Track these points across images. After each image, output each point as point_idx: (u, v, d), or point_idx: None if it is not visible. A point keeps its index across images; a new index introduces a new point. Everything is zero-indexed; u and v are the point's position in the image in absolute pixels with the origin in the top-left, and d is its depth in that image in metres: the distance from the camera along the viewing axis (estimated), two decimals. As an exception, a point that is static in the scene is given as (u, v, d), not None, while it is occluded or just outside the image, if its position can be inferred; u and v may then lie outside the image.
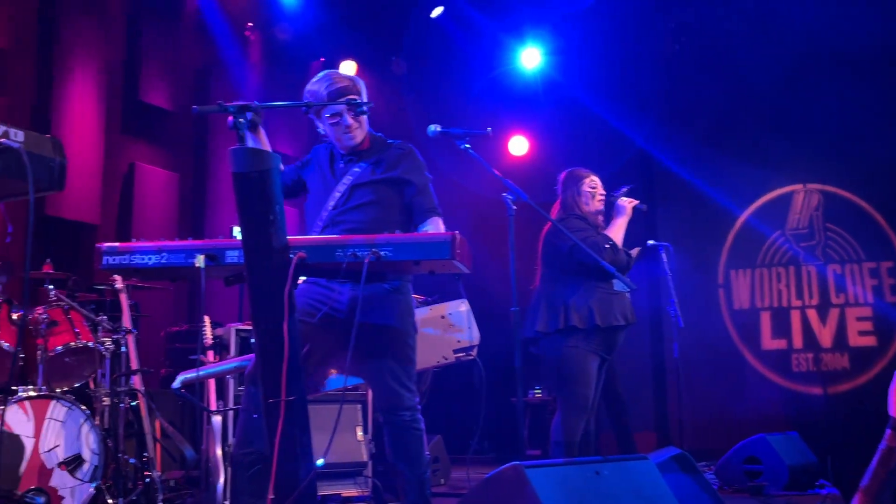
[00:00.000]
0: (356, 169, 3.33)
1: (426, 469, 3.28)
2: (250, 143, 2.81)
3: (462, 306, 3.81)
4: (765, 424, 6.31)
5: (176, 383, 3.79)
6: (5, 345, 4.27)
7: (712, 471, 5.43)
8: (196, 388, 4.48)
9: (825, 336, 8.09)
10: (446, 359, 3.71)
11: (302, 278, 3.25)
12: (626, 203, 4.44)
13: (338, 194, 3.30)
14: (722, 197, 8.40)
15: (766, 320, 8.36)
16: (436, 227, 3.27)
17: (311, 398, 3.06)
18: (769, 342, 8.31)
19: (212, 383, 4.60)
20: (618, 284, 4.28)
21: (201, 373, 3.87)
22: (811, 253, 8.25)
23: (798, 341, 8.19)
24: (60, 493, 4.10)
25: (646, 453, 3.27)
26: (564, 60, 8.99)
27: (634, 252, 4.56)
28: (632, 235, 4.60)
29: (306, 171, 3.48)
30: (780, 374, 8.19)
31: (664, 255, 6.08)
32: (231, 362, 4.17)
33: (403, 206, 3.33)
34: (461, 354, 3.71)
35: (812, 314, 8.19)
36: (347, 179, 3.31)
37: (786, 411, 7.96)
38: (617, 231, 4.35)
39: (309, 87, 3.34)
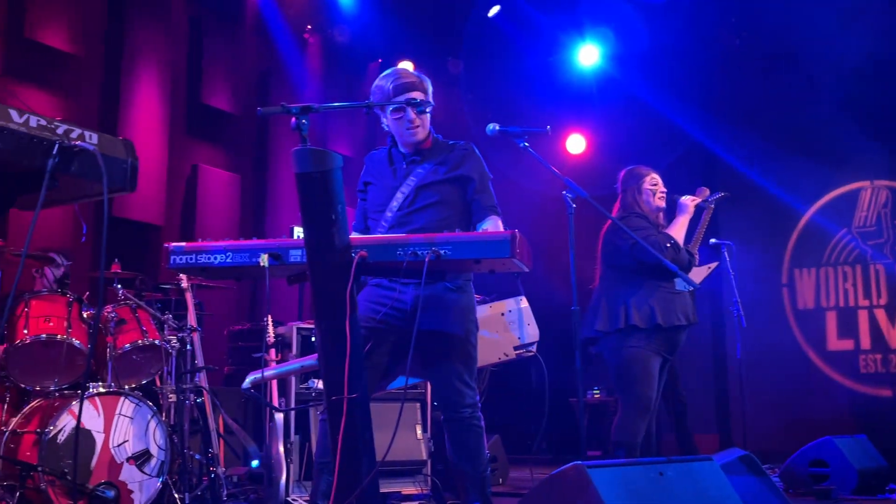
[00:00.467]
0: (419, 170, 3.34)
1: (487, 466, 3.29)
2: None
3: (521, 303, 3.80)
4: (831, 427, 6.17)
5: (246, 384, 3.87)
6: (77, 342, 4.40)
7: (777, 473, 5.33)
8: (261, 387, 4.56)
9: (894, 337, 7.86)
10: (507, 355, 3.72)
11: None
12: (688, 201, 4.37)
13: (402, 195, 3.31)
14: (786, 194, 8.23)
15: (831, 320, 8.16)
16: (495, 225, 3.28)
17: (372, 397, 3.09)
18: (835, 343, 8.11)
19: (273, 382, 4.68)
20: (679, 284, 4.22)
21: (269, 373, 3.93)
22: (879, 251, 8.02)
23: (866, 342, 7.97)
24: (129, 486, 4.21)
25: (709, 454, 3.22)
26: (622, 57, 8.90)
27: (705, 270, 4.49)
28: (693, 234, 4.53)
29: (367, 179, 3.49)
30: (846, 376, 7.98)
31: (726, 254, 5.99)
32: (297, 362, 4.23)
33: (465, 204, 3.34)
34: (521, 351, 3.70)
35: (880, 314, 7.96)
36: (412, 181, 3.32)
37: (853, 414, 7.75)
38: (679, 230, 4.29)
39: (376, 82, 3.38)
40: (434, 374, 3.28)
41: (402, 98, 3.29)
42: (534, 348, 3.73)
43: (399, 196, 3.31)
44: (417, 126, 3.32)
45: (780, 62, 8.32)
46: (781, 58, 8.29)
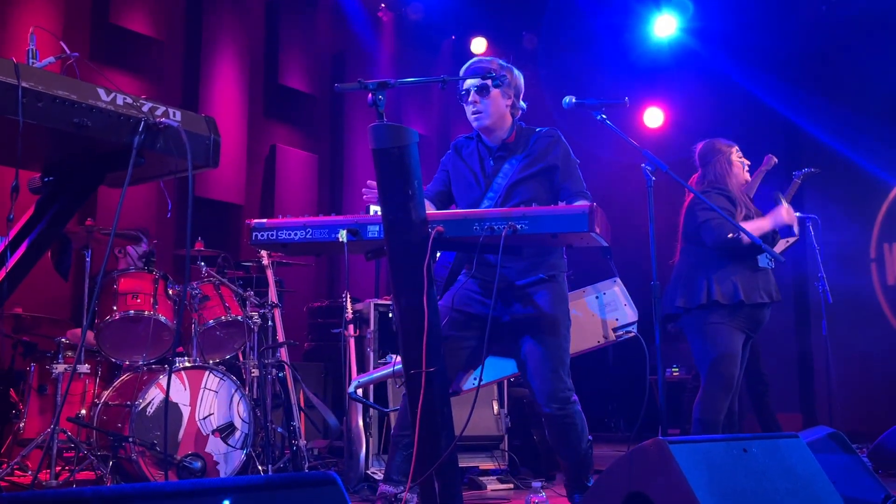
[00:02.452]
0: (506, 166, 3.29)
1: (584, 451, 3.28)
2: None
3: (616, 285, 3.75)
4: (923, 407, 5.96)
5: (350, 388, 3.95)
6: (163, 318, 4.54)
7: (865, 454, 5.16)
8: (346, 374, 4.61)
9: None
10: (606, 338, 3.66)
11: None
12: (784, 213, 4.14)
13: (495, 195, 3.27)
14: (874, 166, 7.90)
15: (923, 297, 7.85)
16: None
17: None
18: (927, 320, 7.80)
19: (354, 366, 4.73)
20: (762, 260, 4.10)
21: (367, 378, 4.01)
22: (976, 224, 7.66)
23: (960, 319, 7.65)
24: (215, 458, 4.34)
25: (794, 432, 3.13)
26: (701, 27, 8.67)
27: (783, 244, 4.36)
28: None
29: (450, 168, 3.45)
30: (939, 355, 7.67)
31: (811, 229, 5.80)
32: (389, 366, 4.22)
33: (555, 194, 3.29)
34: (621, 332, 3.65)
35: (976, 290, 7.63)
36: (501, 179, 3.28)
37: (946, 394, 7.46)
38: (759, 228, 4.09)
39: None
40: (520, 361, 3.26)
41: (466, 82, 3.27)
42: (634, 329, 3.67)
43: (493, 195, 3.27)
44: (479, 111, 3.28)
45: (869, 26, 7.95)
46: (873, 19, 7.90)
